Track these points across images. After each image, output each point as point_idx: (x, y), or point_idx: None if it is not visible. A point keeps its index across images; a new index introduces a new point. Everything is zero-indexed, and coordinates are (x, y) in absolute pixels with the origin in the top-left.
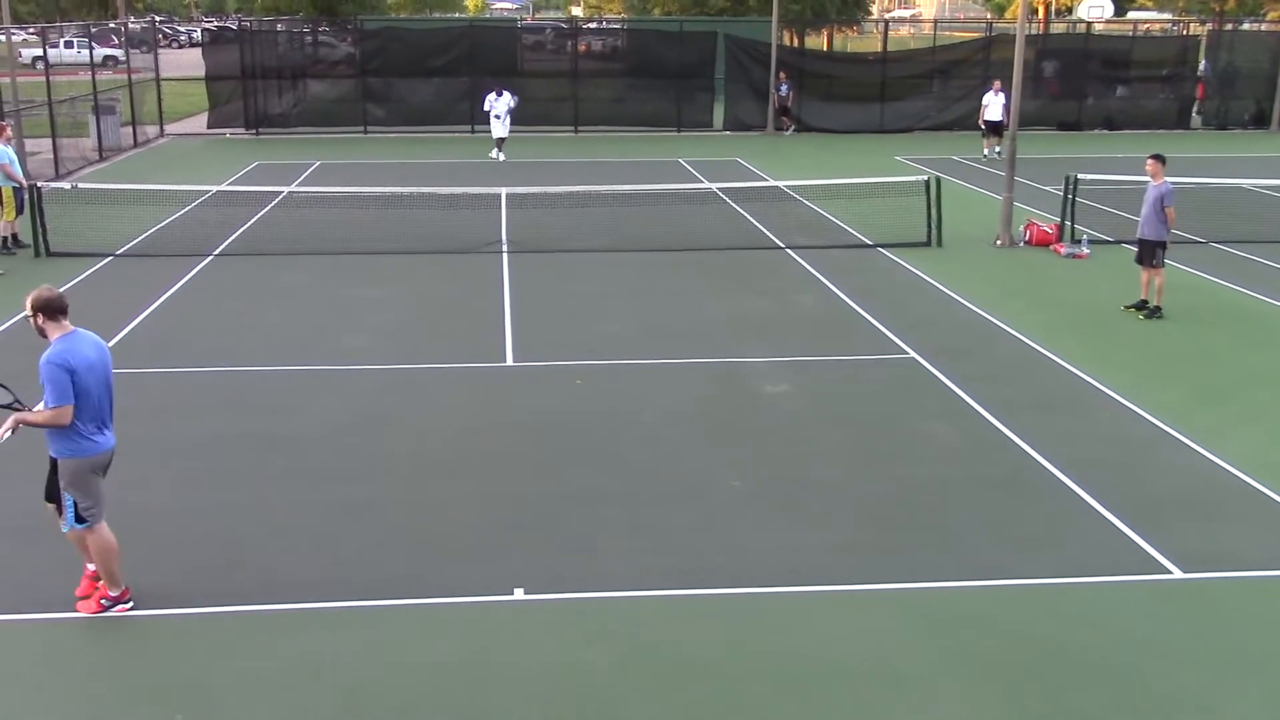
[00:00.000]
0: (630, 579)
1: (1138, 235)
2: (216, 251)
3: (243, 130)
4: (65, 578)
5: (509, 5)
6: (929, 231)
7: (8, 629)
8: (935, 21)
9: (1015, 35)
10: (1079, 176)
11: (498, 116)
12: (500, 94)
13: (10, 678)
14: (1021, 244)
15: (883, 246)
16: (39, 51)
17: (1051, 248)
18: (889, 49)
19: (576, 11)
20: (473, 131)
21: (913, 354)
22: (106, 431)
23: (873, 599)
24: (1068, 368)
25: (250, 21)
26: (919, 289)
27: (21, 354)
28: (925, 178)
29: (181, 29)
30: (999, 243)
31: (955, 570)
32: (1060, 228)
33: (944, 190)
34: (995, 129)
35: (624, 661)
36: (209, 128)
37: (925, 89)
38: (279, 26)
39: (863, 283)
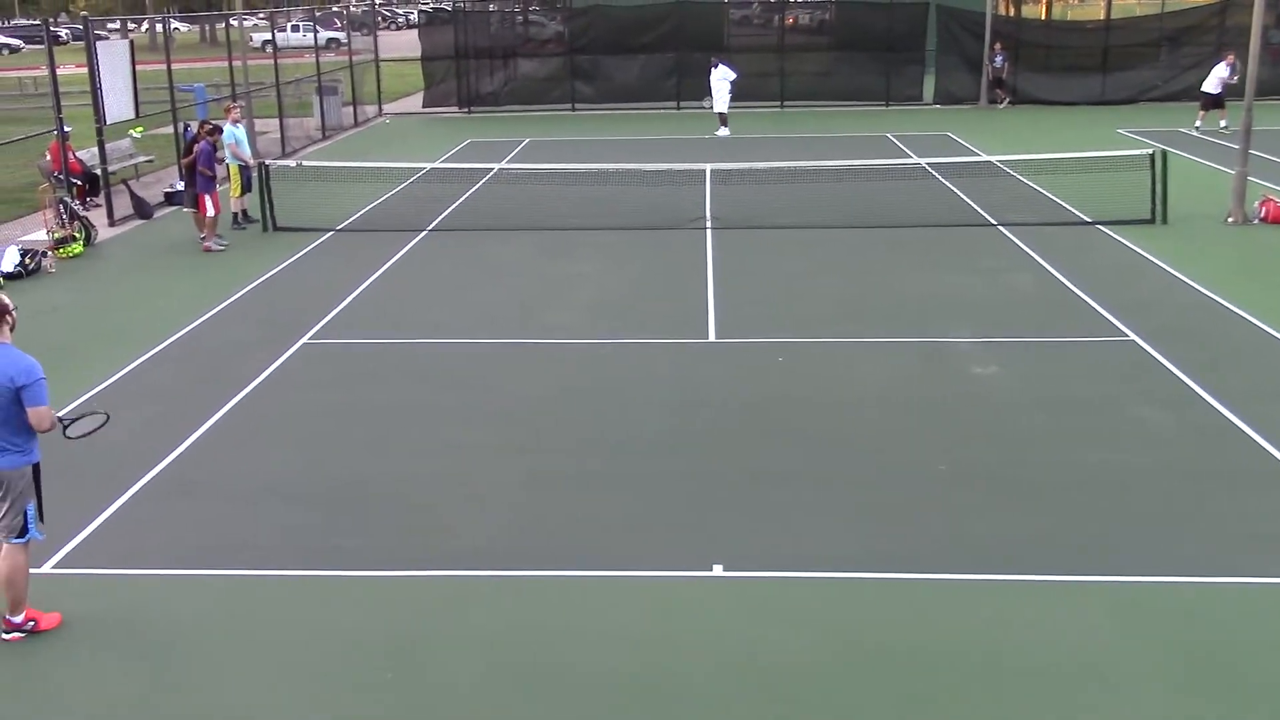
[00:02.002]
0: (830, 560)
1: None
2: (430, 227)
3: (456, 109)
4: (287, 539)
5: None
6: (1153, 208)
7: (231, 583)
8: None
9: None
10: None
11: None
12: (715, 65)
13: (232, 631)
14: (1256, 221)
15: (1102, 224)
16: (268, 36)
17: None
18: (1112, 16)
19: None
20: (678, 108)
21: (1133, 337)
22: None
23: (1082, 591)
24: None
25: (464, 3)
26: (1141, 269)
27: (248, 324)
28: (1150, 151)
29: (400, 11)
30: (1231, 220)
31: (1172, 565)
32: None
33: (1171, 164)
34: (1216, 102)
35: (820, 643)
36: (424, 107)
37: (1152, 58)
38: (491, 7)
39: (1080, 261)
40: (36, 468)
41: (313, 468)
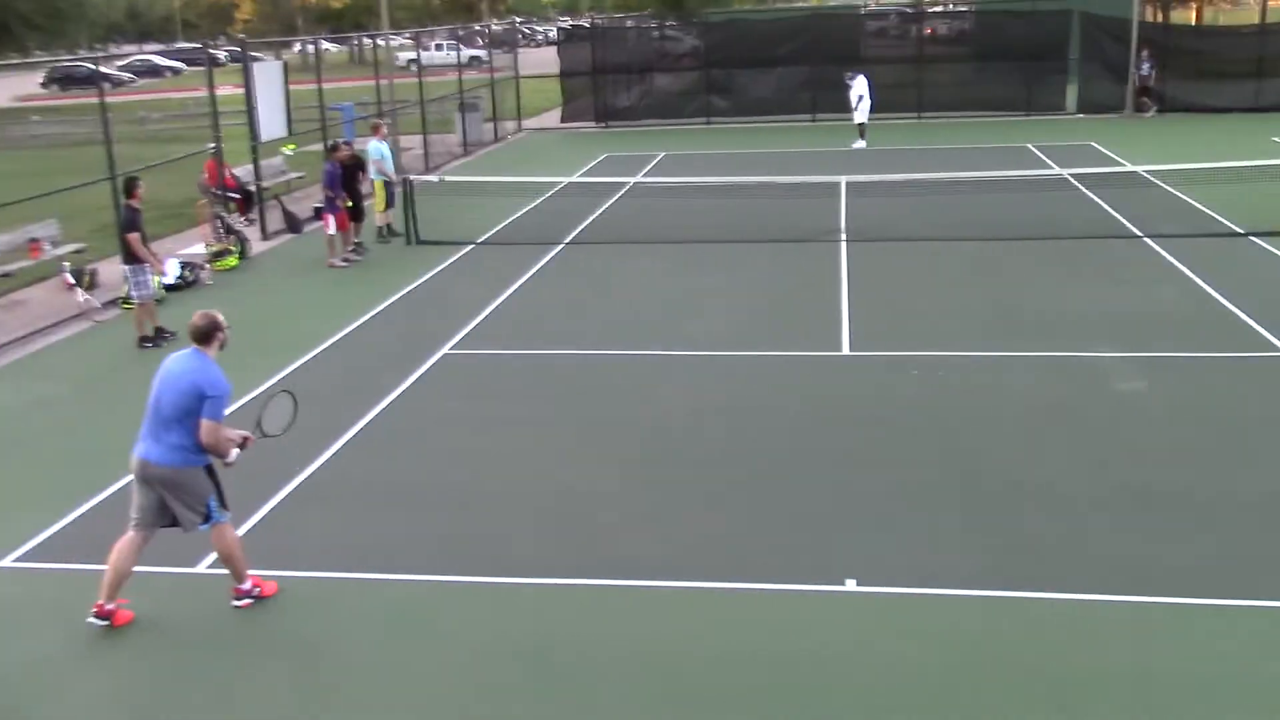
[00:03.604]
0: (969, 578)
1: None
2: (568, 240)
3: (593, 123)
4: (433, 544)
5: None
6: None
7: (381, 586)
8: None
9: None
10: None
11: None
12: (854, 78)
13: (382, 633)
14: None
15: (1255, 235)
16: (413, 55)
17: None
18: (1269, 20)
19: None
20: (814, 120)
21: None
22: (140, 441)
23: (1242, 615)
24: None
25: (602, 19)
26: None
27: (391, 335)
28: None
29: (539, 29)
30: None
31: None
32: None
33: None
34: None
35: (958, 663)
36: (562, 121)
37: None
38: (628, 23)
39: (1232, 274)
40: (209, 467)
41: (452, 476)
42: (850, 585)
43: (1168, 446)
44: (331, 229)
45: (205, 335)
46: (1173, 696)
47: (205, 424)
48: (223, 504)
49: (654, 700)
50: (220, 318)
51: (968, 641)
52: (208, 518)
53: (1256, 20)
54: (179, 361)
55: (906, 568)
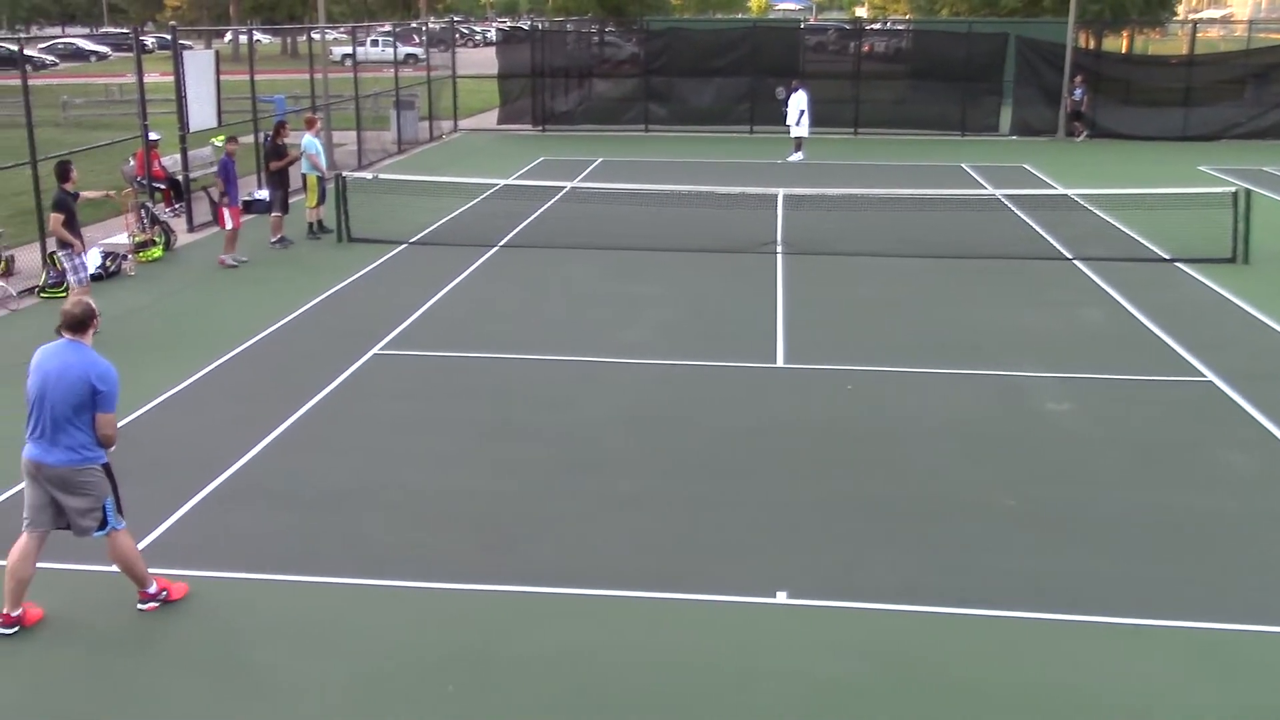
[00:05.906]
0: (896, 592)
1: None
2: (502, 242)
3: (530, 126)
4: (353, 547)
5: (793, 5)
6: (1234, 246)
7: (298, 589)
8: (1250, 22)
9: None
10: None
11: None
12: (795, 90)
13: (296, 637)
14: None
15: (1181, 261)
16: (348, 50)
17: None
18: (1196, 51)
19: (861, 12)
20: (751, 132)
21: (1210, 377)
22: (29, 443)
23: (1151, 635)
24: None
25: (541, 21)
26: (1220, 308)
27: (321, 333)
28: (1233, 189)
29: (477, 29)
30: None
31: (1244, 612)
32: None
33: (1254, 203)
34: None
35: (884, 676)
36: (499, 123)
37: (1237, 94)
38: (568, 26)
39: (1157, 299)
40: (107, 466)
41: (381, 477)
42: (781, 597)
43: (1095, 466)
44: (228, 224)
45: (83, 323)
46: (1095, 716)
47: (102, 417)
48: (119, 509)
49: (579, 710)
50: (94, 304)
51: (896, 655)
52: (104, 524)
53: (1184, 51)
54: (57, 355)
55: (837, 581)
